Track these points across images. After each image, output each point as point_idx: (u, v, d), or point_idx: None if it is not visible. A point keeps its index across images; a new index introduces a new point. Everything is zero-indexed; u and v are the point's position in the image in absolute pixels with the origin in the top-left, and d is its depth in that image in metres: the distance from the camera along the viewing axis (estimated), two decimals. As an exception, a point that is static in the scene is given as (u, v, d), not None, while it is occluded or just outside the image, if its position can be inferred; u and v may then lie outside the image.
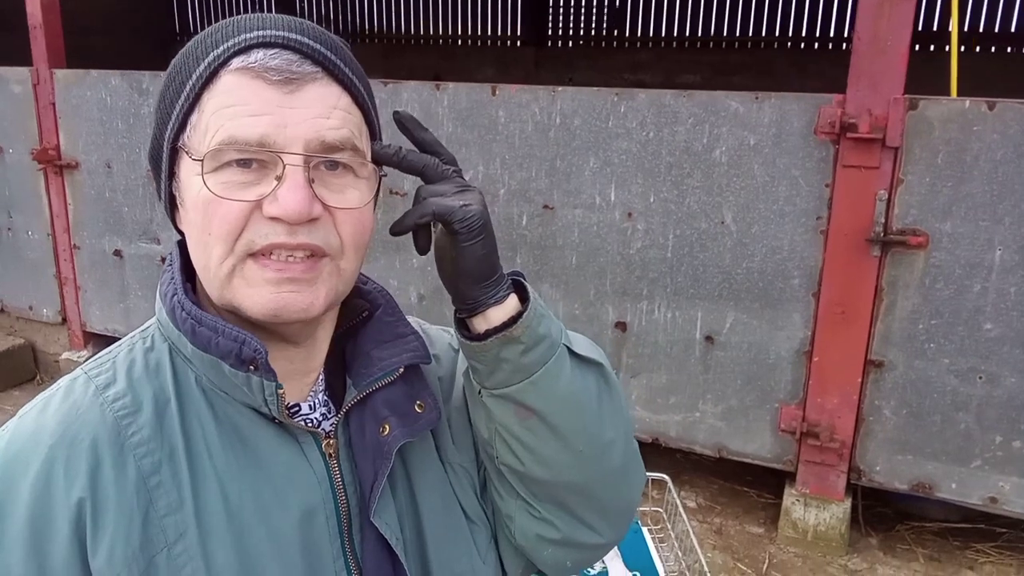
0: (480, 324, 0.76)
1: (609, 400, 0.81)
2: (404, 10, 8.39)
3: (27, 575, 0.65)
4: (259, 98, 0.67)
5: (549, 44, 7.95)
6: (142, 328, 0.80)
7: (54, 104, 3.84)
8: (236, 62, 0.68)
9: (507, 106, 2.98)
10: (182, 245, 0.79)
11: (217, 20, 0.75)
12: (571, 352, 0.78)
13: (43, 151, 3.89)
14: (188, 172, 0.70)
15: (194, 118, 0.69)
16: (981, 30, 6.49)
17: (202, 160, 0.67)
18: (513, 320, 0.74)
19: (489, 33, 8.19)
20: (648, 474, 1.77)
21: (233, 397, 0.73)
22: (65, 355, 4.28)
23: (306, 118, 0.68)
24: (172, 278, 0.76)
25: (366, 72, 0.78)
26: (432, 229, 0.79)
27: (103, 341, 4.29)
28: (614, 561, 1.50)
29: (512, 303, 0.76)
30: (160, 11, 8.42)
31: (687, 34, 7.46)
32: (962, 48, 2.69)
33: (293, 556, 0.72)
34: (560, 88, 2.91)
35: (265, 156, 0.67)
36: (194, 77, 0.69)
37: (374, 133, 0.78)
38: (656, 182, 2.84)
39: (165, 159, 0.73)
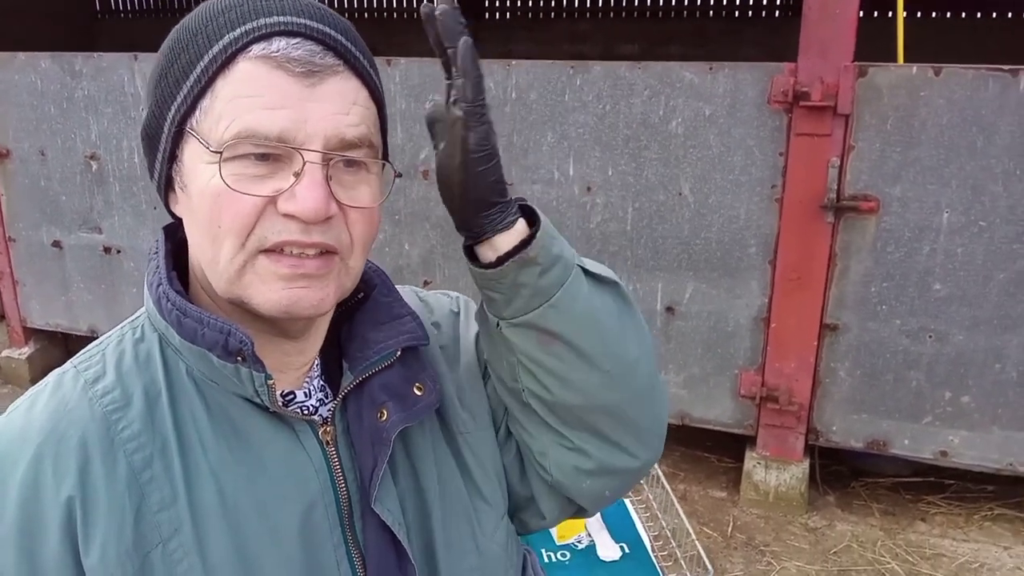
0: (488, 252, 0.74)
1: (630, 318, 0.80)
2: (340, -15, 8.18)
3: (19, 574, 0.64)
4: (279, 90, 0.65)
5: (487, 16, 7.85)
6: (132, 318, 0.77)
7: (-21, 89, 3.64)
8: (256, 49, 0.65)
9: (461, 82, 2.94)
10: (169, 231, 0.77)
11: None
12: (586, 272, 0.76)
13: (-30, 139, 3.69)
14: (196, 158, 0.67)
15: (205, 103, 0.66)
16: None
17: (220, 152, 0.65)
18: (526, 243, 0.72)
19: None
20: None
21: (224, 387, 0.71)
22: (5, 353, 4.10)
23: (327, 114, 0.66)
24: (157, 267, 0.74)
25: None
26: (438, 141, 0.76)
27: (45, 337, 4.12)
28: (601, 534, 1.51)
29: (521, 227, 0.74)
30: (82, -11, 8.04)
31: (623, 4, 7.45)
32: (907, 14, 2.75)
33: (292, 547, 0.70)
34: (515, 61, 2.88)
35: (283, 151, 0.65)
36: (206, 59, 0.66)
37: (384, 128, 0.76)
38: (614, 155, 2.85)
39: (166, 139, 0.70)
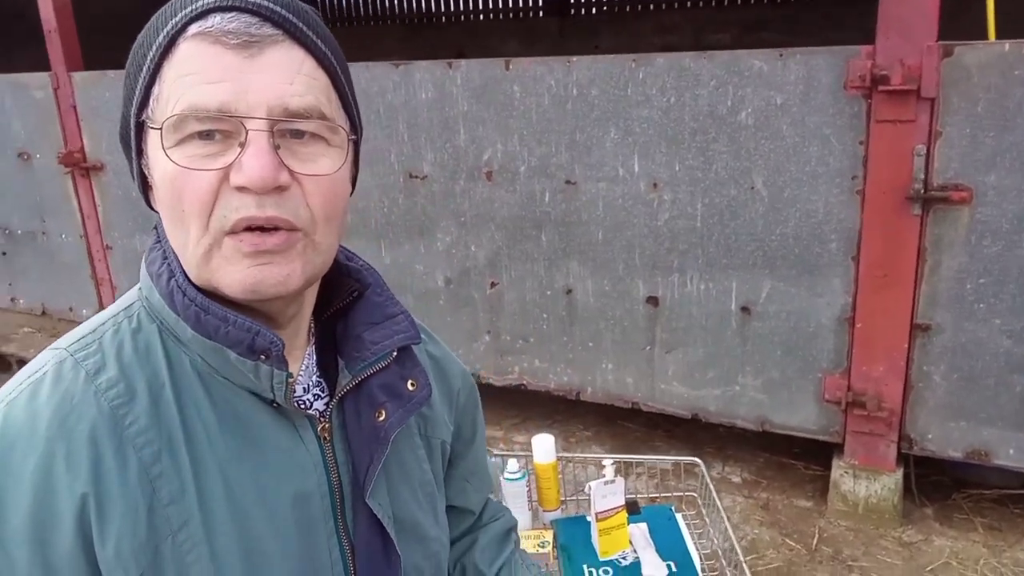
0: None
1: None
2: (423, -12, 8.28)
3: (32, 570, 0.65)
4: (218, 64, 0.65)
5: (573, 13, 7.77)
6: (123, 306, 0.77)
7: (75, 107, 3.86)
8: (193, 28, 0.66)
9: (522, 80, 2.89)
10: None
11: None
12: None
13: (69, 154, 3.92)
14: (154, 147, 0.68)
15: (156, 90, 0.68)
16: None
17: (160, 128, 0.66)
18: None
19: (511, 5, 8.03)
20: (679, 458, 1.71)
21: (232, 381, 0.72)
22: (106, 355, 4.34)
23: (268, 83, 0.66)
24: (165, 258, 0.74)
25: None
26: None
27: (141, 340, 4.34)
28: (647, 551, 1.43)
29: None
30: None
31: (716, -8, 7.23)
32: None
33: (290, 535, 0.73)
34: (575, 58, 2.81)
35: (228, 124, 0.66)
36: (154, 48, 0.67)
37: (346, 101, 0.75)
38: (680, 150, 2.73)
39: (132, 136, 0.72)
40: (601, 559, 1.46)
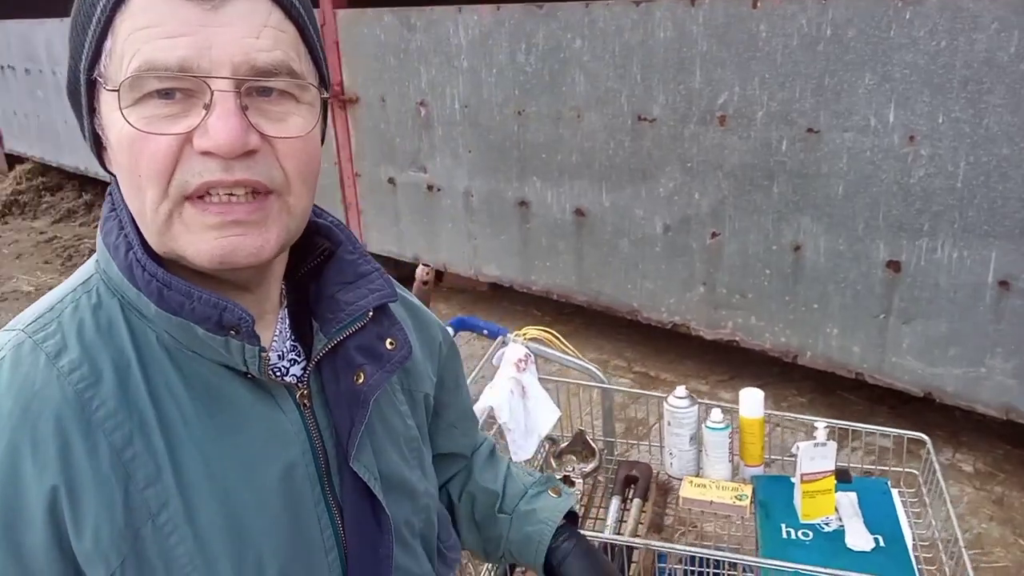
0: None
1: None
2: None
3: (4, 565, 0.62)
4: (177, 17, 0.60)
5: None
6: (80, 280, 0.71)
7: (337, 43, 4.21)
8: None
9: (770, 19, 2.72)
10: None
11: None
12: None
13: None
14: (109, 107, 0.63)
15: (108, 44, 0.62)
16: None
17: (117, 90, 0.61)
18: None
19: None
20: (903, 431, 1.58)
21: (202, 355, 0.68)
22: (349, 272, 4.79)
23: (233, 38, 0.61)
24: (122, 228, 0.68)
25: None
26: None
27: (382, 261, 4.72)
28: (853, 521, 1.35)
29: None
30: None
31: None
32: None
33: (276, 507, 0.70)
34: (832, -5, 2.58)
35: (189, 83, 0.61)
36: (104, 2, 0.61)
37: (315, 54, 0.70)
38: (947, 100, 2.44)
39: (83, 93, 0.65)
40: (802, 521, 1.40)
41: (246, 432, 0.69)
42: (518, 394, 1.60)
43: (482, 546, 1.05)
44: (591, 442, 1.67)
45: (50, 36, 6.29)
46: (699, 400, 1.61)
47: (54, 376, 0.64)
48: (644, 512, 1.52)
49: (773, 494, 1.48)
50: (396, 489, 0.80)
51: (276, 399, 0.72)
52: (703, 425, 1.56)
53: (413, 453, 0.85)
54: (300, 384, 0.75)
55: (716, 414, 1.55)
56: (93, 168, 6.11)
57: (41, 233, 6.64)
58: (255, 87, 0.63)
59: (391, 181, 4.32)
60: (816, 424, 1.41)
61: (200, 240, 0.64)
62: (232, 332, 0.66)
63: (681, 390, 1.59)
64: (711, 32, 2.88)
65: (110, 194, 0.71)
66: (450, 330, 1.75)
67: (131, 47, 0.60)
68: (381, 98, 4.16)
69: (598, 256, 3.59)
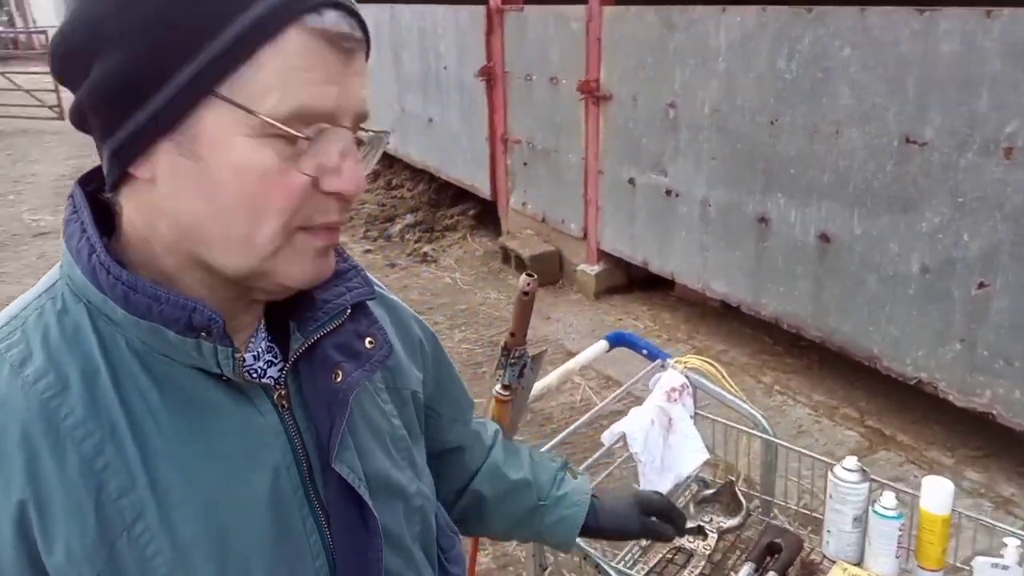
0: None
1: None
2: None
3: None
4: (327, 64, 0.62)
5: None
6: (45, 287, 0.70)
7: (599, 39, 4.21)
8: (309, 20, 0.61)
9: (1089, 35, 2.23)
10: (91, 193, 0.70)
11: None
12: None
13: (586, 83, 4.32)
14: (229, 129, 0.61)
15: (247, 71, 0.60)
16: None
17: (259, 116, 0.60)
18: None
19: None
20: None
21: (177, 360, 0.67)
22: (582, 266, 4.81)
23: (357, 88, 0.65)
24: (84, 231, 0.67)
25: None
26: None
27: (612, 260, 4.69)
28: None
29: None
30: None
31: None
32: None
33: (260, 512, 0.69)
34: None
35: (328, 128, 0.64)
36: (245, 21, 0.59)
37: None
38: None
39: (168, 97, 0.61)
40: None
41: (223, 436, 0.68)
42: (661, 425, 1.47)
43: (512, 533, 1.10)
44: (740, 496, 1.49)
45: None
46: (875, 479, 1.37)
47: (19, 386, 0.63)
48: (778, 590, 1.33)
49: (943, 610, 1.22)
50: (384, 490, 0.78)
51: (253, 401, 0.71)
52: (871, 508, 1.32)
53: (402, 453, 0.83)
54: (278, 385, 0.74)
55: (888, 499, 1.31)
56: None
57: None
58: (359, 136, 0.68)
59: (631, 182, 4.25)
60: (1008, 539, 1.13)
61: (306, 263, 0.68)
62: (203, 334, 0.65)
63: (852, 461, 1.36)
64: (1008, 49, 2.43)
65: (71, 196, 0.70)
66: (605, 344, 1.67)
67: (281, 83, 0.61)
68: (633, 97, 4.10)
69: (840, 289, 3.23)
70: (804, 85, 3.17)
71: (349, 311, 0.76)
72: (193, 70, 0.60)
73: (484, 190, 5.72)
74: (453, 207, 6.43)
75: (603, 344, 1.63)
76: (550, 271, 5.02)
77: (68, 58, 0.62)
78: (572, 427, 1.51)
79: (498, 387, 1.24)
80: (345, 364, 0.74)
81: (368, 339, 0.77)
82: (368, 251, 5.81)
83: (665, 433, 1.48)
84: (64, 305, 0.67)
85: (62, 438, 0.62)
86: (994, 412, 2.74)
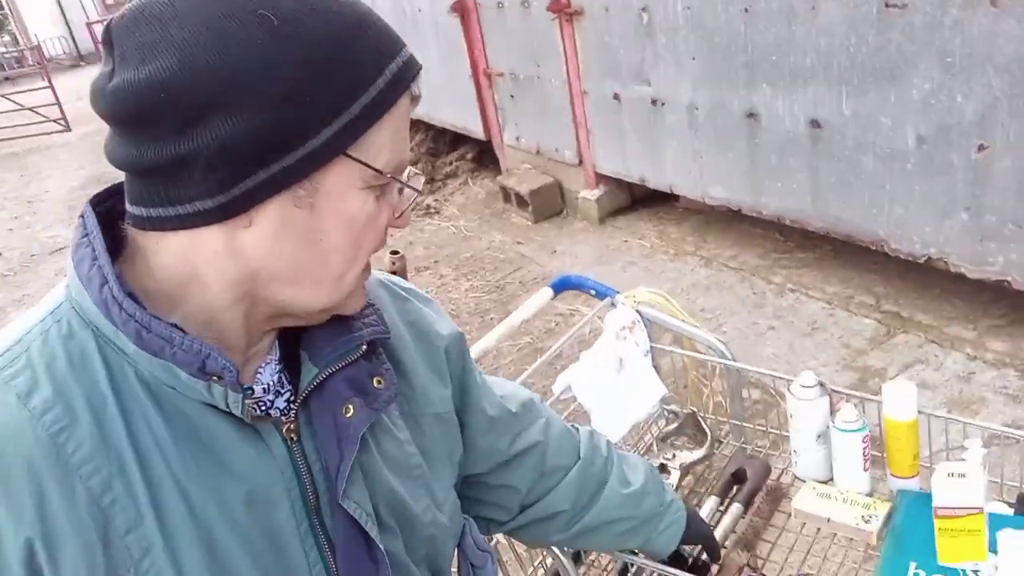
0: None
1: None
2: None
3: None
4: (406, 122, 0.70)
5: None
6: (49, 309, 0.68)
7: (558, -47, 3.98)
8: (413, 86, 0.69)
9: None
10: (105, 215, 0.68)
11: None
12: None
13: (556, 1, 4.12)
14: (348, 184, 0.66)
15: (373, 135, 0.66)
16: None
17: (385, 174, 0.68)
18: None
19: None
20: None
21: (184, 394, 0.65)
22: (583, 193, 4.68)
23: None
24: (95, 260, 0.65)
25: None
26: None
27: (612, 182, 4.55)
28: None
29: None
30: None
31: None
32: None
33: (263, 547, 0.68)
34: None
35: (417, 175, 0.73)
36: (375, 92, 0.65)
37: None
38: None
39: (296, 158, 0.62)
40: (940, 563, 1.07)
41: (230, 470, 0.67)
42: (612, 369, 1.41)
43: (618, 542, 1.11)
44: (705, 426, 1.42)
45: None
46: (836, 390, 1.29)
47: (26, 418, 0.61)
48: (743, 520, 1.27)
49: (915, 520, 1.15)
50: (394, 518, 0.78)
51: (261, 434, 0.70)
52: (830, 425, 1.25)
53: (417, 481, 0.82)
54: (286, 417, 0.73)
55: (847, 411, 1.23)
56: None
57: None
58: None
59: (616, 97, 4.07)
60: (968, 431, 1.04)
61: (360, 295, 0.74)
62: (215, 378, 0.65)
63: (809, 376, 1.28)
64: None
65: (82, 217, 0.68)
66: (550, 291, 1.59)
67: (389, 142, 0.67)
68: (605, 8, 3.89)
69: (837, 176, 3.07)
70: (770, -36, 2.95)
71: (364, 347, 0.77)
72: (330, 132, 0.63)
73: (477, 130, 5.58)
74: (452, 153, 6.31)
75: (547, 292, 1.55)
76: (551, 203, 4.90)
77: (171, 107, 0.60)
78: (525, 374, 1.45)
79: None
80: (356, 400, 0.74)
81: (377, 378, 0.77)
82: (373, 212, 5.75)
83: (615, 375, 1.41)
84: (70, 329, 0.66)
85: (70, 474, 0.61)
86: (1009, 279, 2.60)
